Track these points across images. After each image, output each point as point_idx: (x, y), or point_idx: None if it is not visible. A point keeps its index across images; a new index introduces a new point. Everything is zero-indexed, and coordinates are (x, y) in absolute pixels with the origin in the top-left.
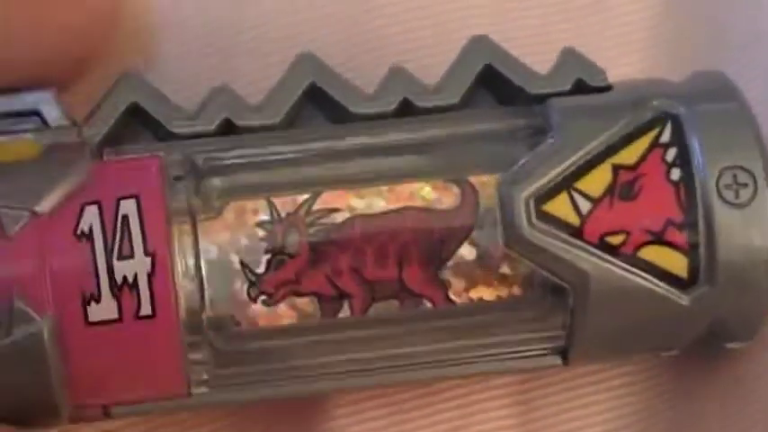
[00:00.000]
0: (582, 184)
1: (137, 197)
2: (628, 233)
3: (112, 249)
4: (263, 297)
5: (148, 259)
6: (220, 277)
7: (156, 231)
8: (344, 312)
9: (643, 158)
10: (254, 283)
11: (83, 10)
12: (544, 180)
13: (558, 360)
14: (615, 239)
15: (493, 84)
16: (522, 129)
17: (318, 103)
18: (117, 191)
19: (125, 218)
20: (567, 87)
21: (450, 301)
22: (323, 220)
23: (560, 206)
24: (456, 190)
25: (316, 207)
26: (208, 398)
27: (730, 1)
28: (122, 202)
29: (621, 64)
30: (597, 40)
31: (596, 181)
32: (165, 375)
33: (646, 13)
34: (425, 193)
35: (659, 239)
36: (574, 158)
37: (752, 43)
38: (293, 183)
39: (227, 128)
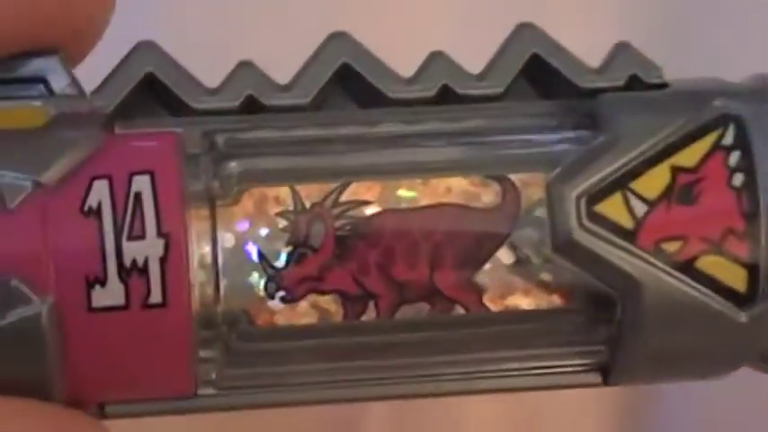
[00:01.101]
0: (637, 185)
1: (151, 173)
2: (684, 240)
3: (122, 228)
4: (281, 293)
5: (161, 241)
6: (236, 269)
7: (171, 211)
8: (369, 314)
9: (703, 161)
10: (273, 277)
11: None
12: (597, 178)
13: (597, 378)
14: (671, 246)
15: (537, 75)
16: (569, 125)
17: (350, 86)
18: (130, 165)
19: (138, 195)
20: (621, 83)
21: (485, 307)
22: (351, 213)
23: (614, 207)
24: (496, 187)
25: (344, 198)
26: (213, 401)
27: None
28: (135, 177)
29: None
30: None
31: (653, 182)
32: (172, 372)
33: None
34: (463, 189)
35: (717, 249)
36: (630, 156)
37: None
38: (320, 171)
39: (252, 106)
